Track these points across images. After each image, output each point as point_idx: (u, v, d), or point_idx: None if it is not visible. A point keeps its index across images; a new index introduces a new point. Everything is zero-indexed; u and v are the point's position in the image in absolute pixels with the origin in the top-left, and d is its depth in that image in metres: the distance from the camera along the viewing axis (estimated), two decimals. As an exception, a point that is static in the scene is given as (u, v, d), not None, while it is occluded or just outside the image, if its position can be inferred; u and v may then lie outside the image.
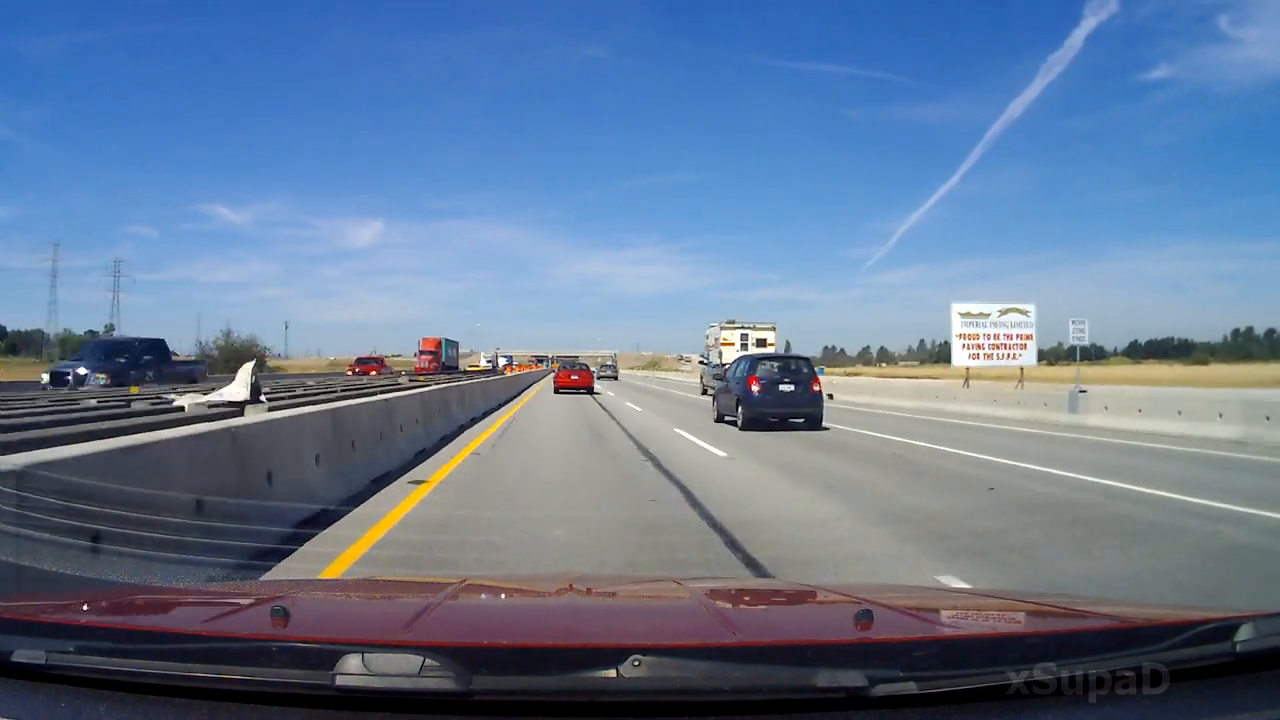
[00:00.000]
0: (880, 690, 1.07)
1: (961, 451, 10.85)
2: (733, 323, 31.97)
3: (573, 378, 29.89)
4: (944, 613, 1.73)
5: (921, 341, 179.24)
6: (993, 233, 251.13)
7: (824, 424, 14.23)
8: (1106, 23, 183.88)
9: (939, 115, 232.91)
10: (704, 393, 30.59)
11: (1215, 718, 1.11)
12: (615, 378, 54.68)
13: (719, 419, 15.56)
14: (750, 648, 1.27)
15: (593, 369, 42.09)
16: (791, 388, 14.12)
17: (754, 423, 13.67)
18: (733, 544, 5.16)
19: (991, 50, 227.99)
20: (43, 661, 1.13)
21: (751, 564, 4.70)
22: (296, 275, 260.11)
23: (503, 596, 1.99)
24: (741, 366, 15.28)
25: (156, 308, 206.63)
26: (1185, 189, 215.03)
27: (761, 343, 31.05)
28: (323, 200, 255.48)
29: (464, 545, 5.36)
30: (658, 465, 9.25)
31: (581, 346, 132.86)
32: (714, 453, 10.60)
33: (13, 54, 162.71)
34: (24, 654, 1.14)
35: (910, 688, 1.08)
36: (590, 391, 29.51)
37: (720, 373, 28.48)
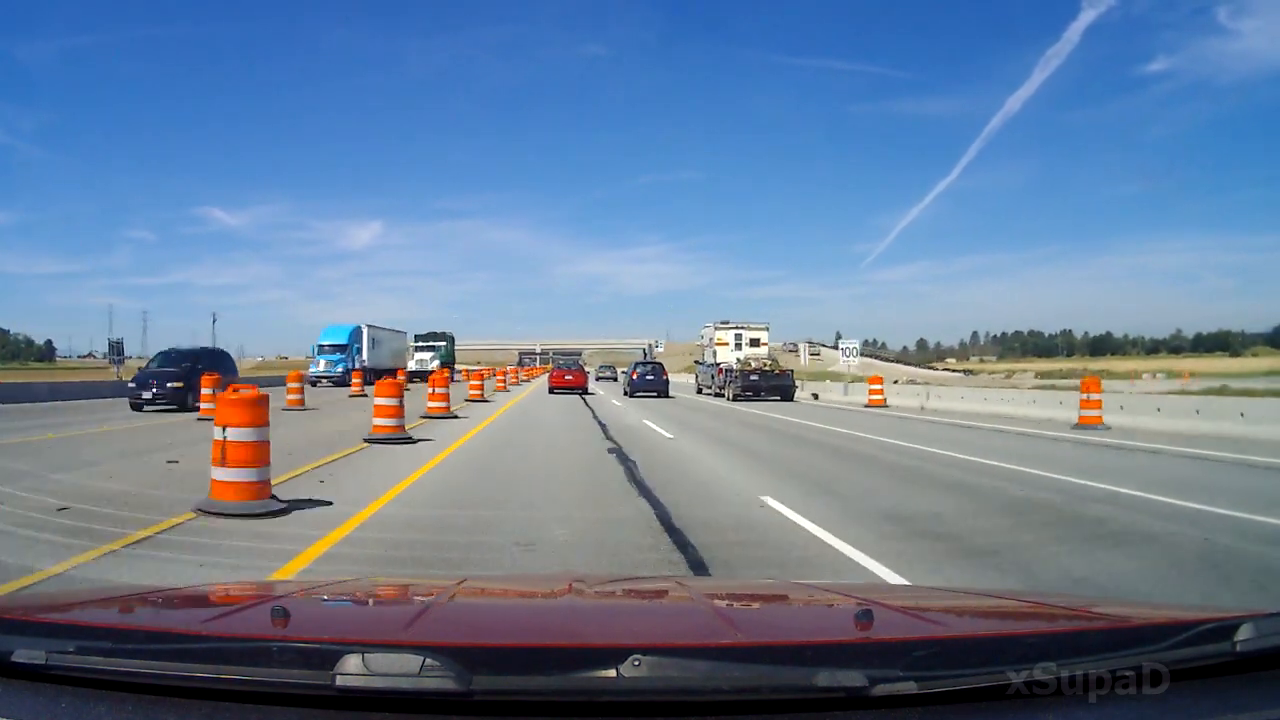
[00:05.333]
0: (880, 690, 1.07)
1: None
2: (726, 323, 31.74)
3: (567, 378, 30.17)
4: (944, 613, 1.73)
5: (975, 334, 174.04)
6: (993, 228, 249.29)
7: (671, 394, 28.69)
8: (1105, 15, 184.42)
9: (938, 110, 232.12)
10: (699, 392, 30.96)
11: (1215, 718, 1.11)
12: (614, 379, 50.63)
13: (624, 393, 29.46)
14: (750, 648, 1.27)
15: (589, 369, 43.10)
16: (653, 378, 28.80)
17: (632, 394, 28.38)
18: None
19: (989, 44, 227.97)
20: (43, 661, 1.13)
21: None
22: (297, 277, 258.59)
23: (503, 597, 1.99)
24: (631, 368, 31.18)
25: (154, 312, 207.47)
26: (1187, 182, 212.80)
27: (755, 342, 30.80)
28: (322, 202, 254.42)
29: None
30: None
31: (609, 336, 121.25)
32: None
33: (9, 59, 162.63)
34: (24, 654, 1.14)
35: (910, 688, 1.08)
36: (585, 392, 29.69)
37: (715, 372, 28.93)
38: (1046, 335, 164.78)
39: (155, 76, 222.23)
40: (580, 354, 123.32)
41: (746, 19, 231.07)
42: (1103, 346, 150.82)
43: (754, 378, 26.31)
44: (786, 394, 26.23)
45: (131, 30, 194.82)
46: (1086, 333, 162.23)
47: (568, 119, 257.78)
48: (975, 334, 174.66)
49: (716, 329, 31.47)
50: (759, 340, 30.66)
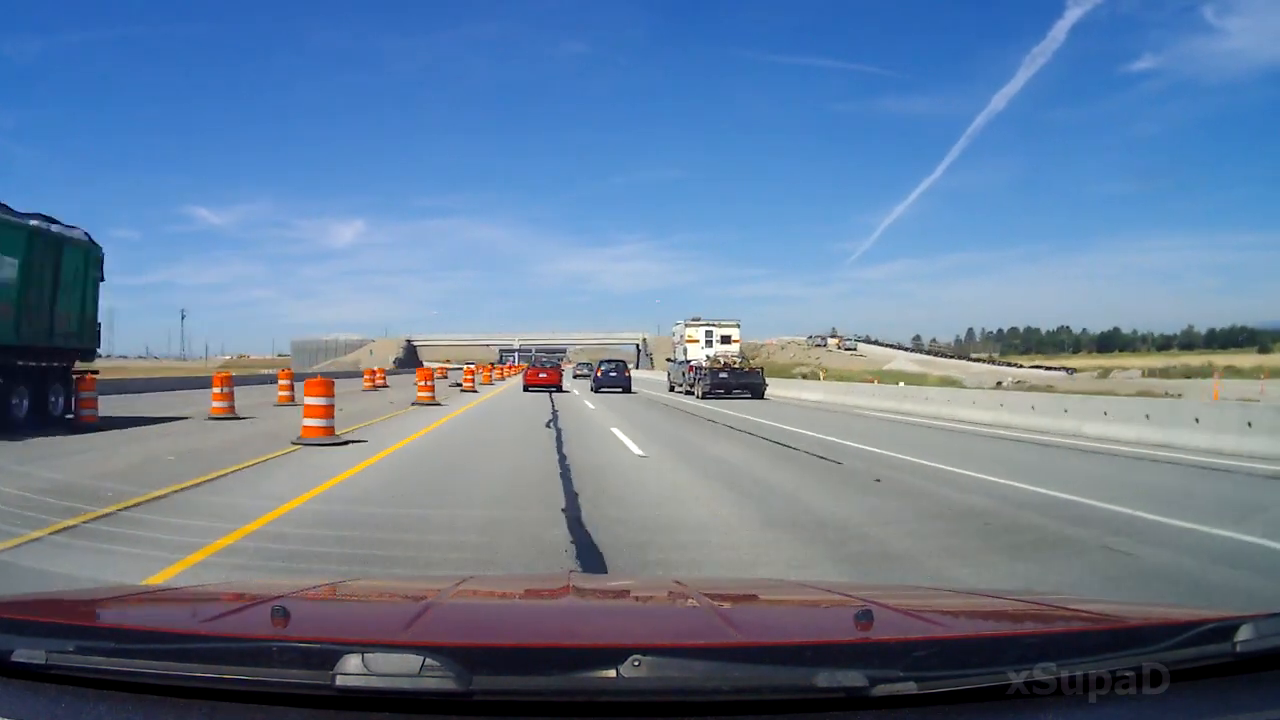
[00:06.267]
0: (880, 690, 1.07)
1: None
2: (697, 319, 30.92)
3: (541, 376, 29.78)
4: (944, 613, 1.73)
5: (970, 330, 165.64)
6: (978, 226, 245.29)
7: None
8: (1090, 14, 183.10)
9: (921, 108, 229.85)
10: (671, 389, 30.51)
11: (1215, 718, 1.11)
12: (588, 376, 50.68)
13: (592, 389, 30.11)
14: (750, 648, 1.28)
15: (567, 367, 42.83)
16: (615, 374, 30.81)
17: (597, 389, 29.68)
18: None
19: (974, 42, 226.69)
20: (43, 661, 1.13)
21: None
22: (281, 276, 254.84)
23: (502, 596, 1.99)
24: (596, 365, 34.74)
25: (139, 311, 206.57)
26: (1173, 180, 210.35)
27: (726, 339, 30.00)
28: (305, 200, 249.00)
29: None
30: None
31: (598, 330, 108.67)
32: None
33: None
34: (24, 654, 1.14)
35: (910, 688, 1.08)
36: (558, 389, 29.09)
37: (686, 369, 28.45)
38: (1044, 332, 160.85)
39: (140, 75, 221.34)
40: (565, 351, 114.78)
41: (731, 17, 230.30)
42: (1110, 342, 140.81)
43: (723, 375, 25.74)
44: (757, 391, 25.79)
45: (115, 29, 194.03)
46: (1085, 329, 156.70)
47: (550, 118, 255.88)
48: (971, 330, 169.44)
49: (687, 326, 30.81)
50: (730, 337, 30.08)
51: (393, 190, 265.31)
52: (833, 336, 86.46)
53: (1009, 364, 73.67)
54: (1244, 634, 1.19)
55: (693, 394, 26.58)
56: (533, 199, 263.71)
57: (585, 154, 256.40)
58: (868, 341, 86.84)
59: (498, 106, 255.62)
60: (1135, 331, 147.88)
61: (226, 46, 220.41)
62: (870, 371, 53.85)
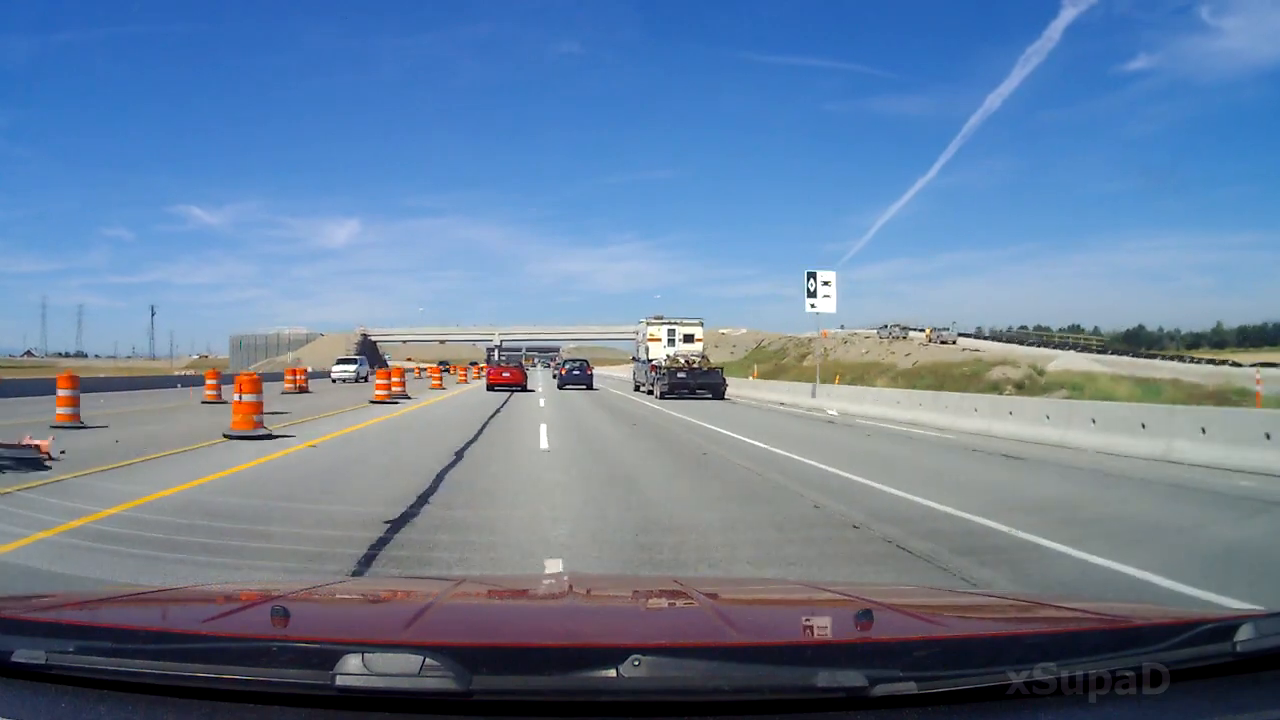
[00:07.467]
0: (880, 690, 1.07)
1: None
2: (660, 318, 30.10)
3: (504, 375, 29.56)
4: (944, 613, 1.73)
5: (979, 330, 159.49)
6: (972, 225, 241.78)
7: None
8: (1085, 14, 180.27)
9: (916, 108, 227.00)
10: (636, 389, 29.98)
11: (1215, 718, 1.11)
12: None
13: (558, 387, 31.41)
14: (750, 648, 1.28)
15: (540, 367, 42.45)
16: (578, 373, 32.38)
17: (560, 386, 31.17)
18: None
19: (968, 43, 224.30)
20: (43, 661, 1.13)
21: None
22: (273, 275, 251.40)
23: (502, 596, 1.99)
24: (560, 364, 36.71)
25: (132, 310, 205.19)
26: (1167, 180, 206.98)
27: (689, 338, 29.22)
28: (298, 200, 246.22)
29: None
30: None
31: (598, 324, 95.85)
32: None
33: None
34: (24, 654, 1.14)
35: (910, 688, 1.08)
36: (523, 388, 28.72)
37: (648, 369, 27.87)
38: (1056, 330, 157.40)
39: (130, 75, 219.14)
40: (558, 349, 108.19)
41: (723, 17, 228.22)
42: (1136, 340, 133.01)
43: (681, 375, 25.22)
44: (717, 392, 25.13)
45: (105, 29, 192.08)
46: (1097, 327, 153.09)
47: (543, 118, 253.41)
48: (979, 329, 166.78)
49: (649, 324, 29.99)
50: (693, 336, 29.39)
51: (383, 190, 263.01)
52: (917, 329, 61.47)
53: (1214, 361, 47.54)
54: (1244, 634, 1.19)
55: (654, 393, 25.76)
56: (525, 199, 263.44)
57: (577, 154, 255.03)
58: (965, 335, 61.07)
59: (489, 107, 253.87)
60: (1161, 329, 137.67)
61: (218, 46, 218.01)
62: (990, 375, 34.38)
